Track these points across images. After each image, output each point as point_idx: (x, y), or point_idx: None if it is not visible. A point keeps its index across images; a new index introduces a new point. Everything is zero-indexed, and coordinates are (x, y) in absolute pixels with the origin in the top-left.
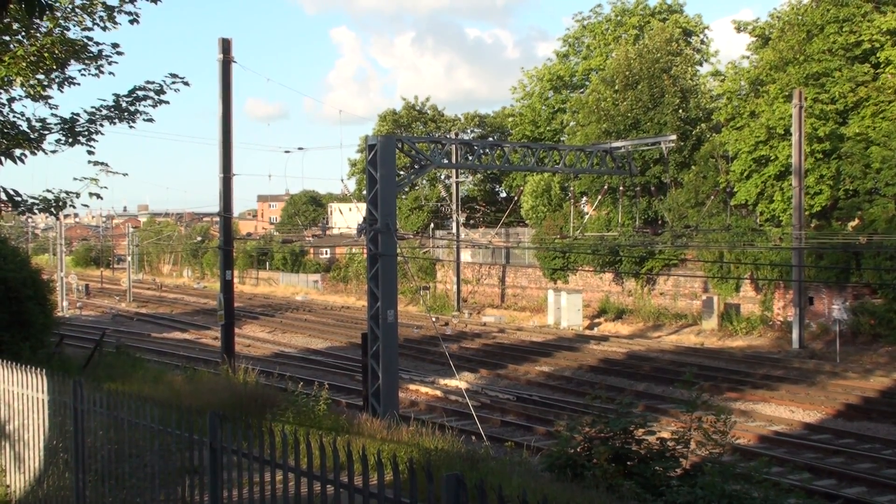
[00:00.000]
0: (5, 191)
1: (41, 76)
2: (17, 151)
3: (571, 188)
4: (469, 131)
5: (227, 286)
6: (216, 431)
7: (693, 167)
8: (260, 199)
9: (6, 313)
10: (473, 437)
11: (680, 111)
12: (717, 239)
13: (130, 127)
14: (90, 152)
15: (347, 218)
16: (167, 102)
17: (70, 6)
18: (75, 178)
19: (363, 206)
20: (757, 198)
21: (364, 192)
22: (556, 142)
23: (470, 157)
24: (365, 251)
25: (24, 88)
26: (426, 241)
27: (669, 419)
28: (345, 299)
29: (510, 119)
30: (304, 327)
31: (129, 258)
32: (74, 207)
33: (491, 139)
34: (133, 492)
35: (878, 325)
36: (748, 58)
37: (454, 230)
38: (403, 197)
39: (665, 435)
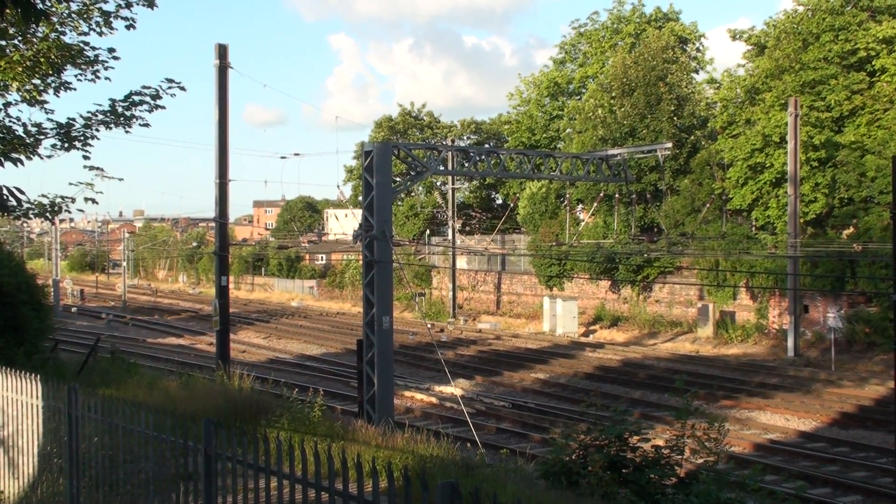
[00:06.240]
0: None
1: (37, 81)
2: (13, 156)
3: (567, 195)
4: (465, 138)
5: (223, 292)
6: (211, 438)
7: (689, 174)
8: (256, 204)
9: (0, 318)
10: (469, 445)
11: (676, 119)
12: (712, 246)
13: (126, 132)
14: (86, 157)
15: (343, 224)
16: (163, 107)
17: (66, 11)
18: (71, 183)
19: (359, 213)
20: (752, 205)
21: (360, 199)
22: (553, 149)
23: (466, 164)
24: (360, 257)
25: (20, 93)
26: (422, 248)
27: (664, 427)
28: (340, 305)
29: (506, 126)
30: (300, 333)
31: (124, 263)
32: (70, 212)
33: (487, 146)
34: (127, 498)
35: (873, 333)
36: (744, 66)
37: (450, 237)
38: (399, 203)
39: (660, 442)
